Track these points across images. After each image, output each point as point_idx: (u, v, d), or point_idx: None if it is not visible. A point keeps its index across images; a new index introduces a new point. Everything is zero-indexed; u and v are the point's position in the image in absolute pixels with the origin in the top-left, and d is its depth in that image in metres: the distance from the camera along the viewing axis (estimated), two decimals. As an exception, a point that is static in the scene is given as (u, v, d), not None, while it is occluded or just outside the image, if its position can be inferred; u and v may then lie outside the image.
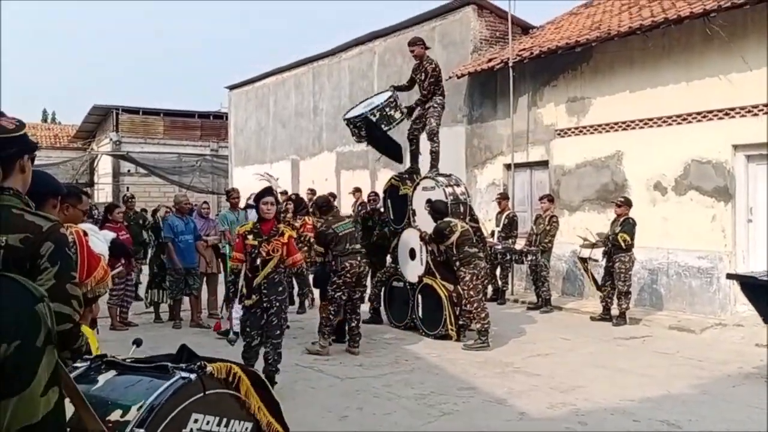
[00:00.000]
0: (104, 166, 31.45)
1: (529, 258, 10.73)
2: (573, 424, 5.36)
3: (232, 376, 2.67)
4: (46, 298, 1.47)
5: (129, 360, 2.72)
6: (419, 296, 8.89)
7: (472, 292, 8.09)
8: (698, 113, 9.62)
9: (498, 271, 11.47)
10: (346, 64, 17.93)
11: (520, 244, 11.21)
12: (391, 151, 9.91)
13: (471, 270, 8.13)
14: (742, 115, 9.14)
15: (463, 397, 6.05)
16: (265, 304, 6.19)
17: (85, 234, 4.15)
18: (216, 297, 10.28)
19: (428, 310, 8.76)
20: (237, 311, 7.02)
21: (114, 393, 2.51)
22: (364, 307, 9.78)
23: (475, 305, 8.11)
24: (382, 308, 9.68)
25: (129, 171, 30.67)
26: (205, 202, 11.82)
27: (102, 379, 2.62)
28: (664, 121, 10.10)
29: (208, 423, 2.57)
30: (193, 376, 2.49)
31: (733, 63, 9.17)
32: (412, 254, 9.08)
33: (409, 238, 9.20)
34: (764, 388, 6.44)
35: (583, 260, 10.12)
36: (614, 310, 9.61)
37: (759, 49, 8.87)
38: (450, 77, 12.69)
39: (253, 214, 9.47)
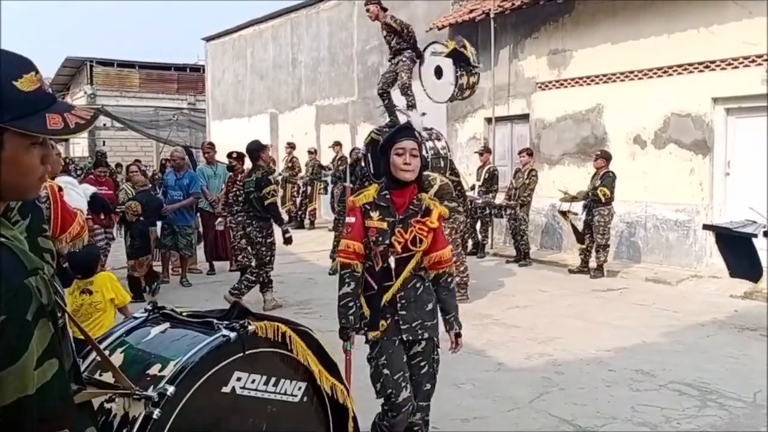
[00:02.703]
0: (79, 120, 30.87)
1: (509, 212, 10.76)
2: (550, 373, 5.45)
3: (280, 335, 2.57)
4: (41, 270, 1.42)
5: (185, 313, 2.68)
6: (399, 250, 8.86)
7: (451, 246, 8.10)
8: (679, 66, 9.59)
9: (478, 225, 11.51)
10: (325, 15, 17.60)
11: (500, 198, 11.23)
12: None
13: (450, 224, 8.13)
14: (723, 68, 9.12)
15: (441, 349, 6.09)
16: (405, 335, 3.37)
17: (60, 189, 4.09)
18: (195, 252, 10.25)
19: (408, 263, 8.75)
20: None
21: (160, 347, 2.49)
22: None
23: (455, 259, 8.11)
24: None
25: (105, 125, 30.19)
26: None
27: (154, 331, 2.60)
28: (645, 74, 10.06)
29: (253, 381, 2.50)
30: (233, 334, 2.43)
31: (714, 15, 9.11)
32: (392, 208, 9.06)
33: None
34: (737, 337, 6.57)
35: (564, 213, 10.18)
36: (592, 263, 9.72)
37: (739, 2, 8.81)
38: (431, 28, 12.51)
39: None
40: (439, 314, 3.48)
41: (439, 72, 9.02)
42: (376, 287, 3.38)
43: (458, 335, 3.52)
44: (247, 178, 7.94)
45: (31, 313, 1.35)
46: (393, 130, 3.46)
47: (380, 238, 3.31)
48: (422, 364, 3.46)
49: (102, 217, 8.09)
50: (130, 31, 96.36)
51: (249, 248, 8.06)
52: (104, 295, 4.56)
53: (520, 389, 5.12)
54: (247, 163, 8.69)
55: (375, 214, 3.33)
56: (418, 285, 3.39)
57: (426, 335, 3.40)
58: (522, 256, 10.71)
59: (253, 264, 7.99)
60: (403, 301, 3.37)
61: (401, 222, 3.31)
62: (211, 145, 10.82)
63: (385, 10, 9.11)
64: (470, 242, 11.46)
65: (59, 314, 1.48)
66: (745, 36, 8.74)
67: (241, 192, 8.01)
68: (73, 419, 1.47)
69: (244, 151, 8.40)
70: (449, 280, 3.46)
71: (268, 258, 7.84)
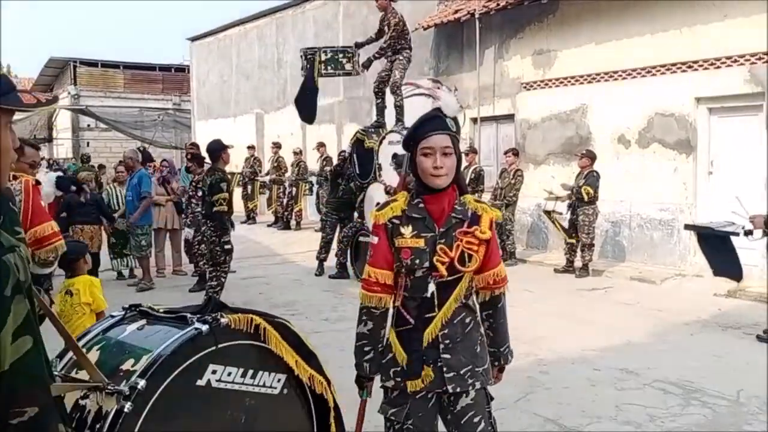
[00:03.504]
0: (63, 120, 30.68)
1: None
2: (535, 373, 5.46)
3: (254, 327, 2.58)
4: (18, 248, 1.43)
5: (162, 310, 2.69)
6: (385, 250, 8.86)
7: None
8: (662, 66, 9.65)
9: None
10: (311, 15, 17.56)
11: (486, 198, 11.24)
12: (303, 105, 9.85)
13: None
14: (705, 68, 9.19)
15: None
16: (451, 386, 2.55)
17: (38, 183, 4.04)
18: (180, 253, 10.21)
19: (394, 264, 8.75)
20: None
21: (134, 342, 2.52)
22: (331, 262, 9.82)
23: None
24: (348, 263, 9.69)
25: (89, 126, 29.97)
26: (164, 160, 11.53)
27: (130, 328, 2.62)
28: (629, 74, 10.12)
29: (229, 374, 2.51)
30: (204, 327, 2.44)
31: (696, 15, 9.18)
32: (378, 208, 9.06)
33: (376, 192, 9.17)
34: (721, 336, 6.62)
35: (548, 213, 10.22)
36: (577, 262, 9.76)
37: (722, 3, 8.88)
38: (416, 28, 12.51)
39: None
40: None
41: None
42: (413, 321, 2.55)
43: (502, 369, 2.80)
44: (206, 177, 7.85)
45: (10, 288, 1.36)
46: (417, 120, 2.59)
47: (417, 261, 2.49)
48: (476, 419, 2.57)
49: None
50: (113, 32, 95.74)
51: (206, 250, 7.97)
52: (81, 299, 4.53)
53: (505, 389, 5.11)
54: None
55: (407, 230, 2.52)
56: (467, 319, 2.57)
57: (477, 384, 2.57)
58: (508, 256, 10.73)
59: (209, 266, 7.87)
60: (448, 341, 2.52)
61: (443, 236, 2.50)
62: (194, 146, 10.75)
63: (394, 0, 9.23)
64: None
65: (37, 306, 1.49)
66: (727, 36, 8.81)
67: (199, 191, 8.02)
68: (46, 400, 1.47)
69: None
70: (504, 303, 2.69)
71: (222, 258, 7.69)
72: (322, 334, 6.69)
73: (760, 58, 8.58)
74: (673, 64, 9.51)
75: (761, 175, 8.40)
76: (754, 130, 8.73)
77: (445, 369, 2.52)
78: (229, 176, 8.27)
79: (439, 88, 2.69)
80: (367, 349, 2.63)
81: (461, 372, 2.54)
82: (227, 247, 7.59)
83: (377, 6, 9.29)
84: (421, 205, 2.55)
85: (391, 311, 2.62)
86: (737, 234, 6.46)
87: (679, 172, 9.57)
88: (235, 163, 17.97)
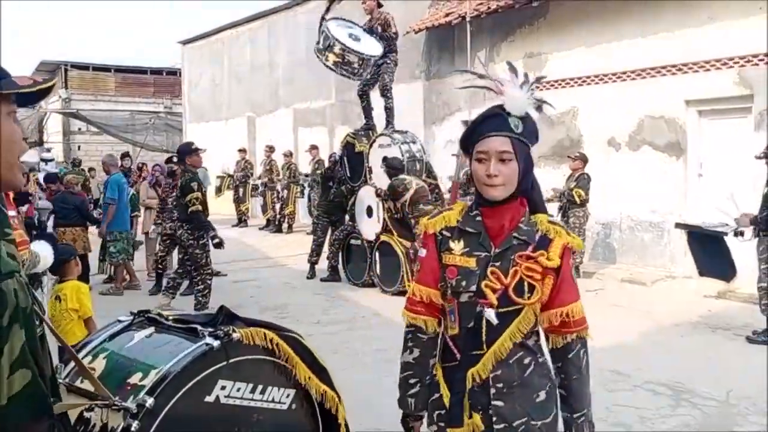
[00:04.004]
0: (54, 124, 30.54)
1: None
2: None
3: (269, 342, 2.51)
4: (17, 273, 1.37)
5: (171, 318, 2.62)
6: (377, 253, 8.90)
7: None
8: (652, 68, 9.69)
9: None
10: (303, 18, 17.55)
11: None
12: None
13: (428, 226, 8.14)
14: (695, 71, 9.23)
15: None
16: None
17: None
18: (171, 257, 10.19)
19: (386, 267, 8.79)
20: None
21: (142, 354, 2.44)
22: (323, 265, 9.81)
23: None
24: (340, 266, 9.69)
25: (80, 129, 29.87)
26: (156, 165, 11.53)
27: (138, 336, 2.55)
28: (619, 77, 10.16)
29: (238, 390, 2.44)
30: (216, 342, 2.36)
31: (685, 18, 9.23)
32: (369, 212, 9.07)
33: (366, 195, 9.17)
34: (711, 337, 6.65)
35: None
36: (569, 265, 9.77)
37: (712, 5, 8.94)
38: (407, 32, 12.53)
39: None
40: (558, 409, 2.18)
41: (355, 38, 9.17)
42: (459, 357, 2.14)
43: None
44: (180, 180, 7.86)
45: (7, 317, 1.31)
46: (475, 119, 2.18)
47: (464, 283, 2.09)
48: None
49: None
50: (104, 35, 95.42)
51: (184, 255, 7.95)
52: (68, 305, 4.51)
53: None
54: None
55: (457, 246, 2.13)
56: (525, 360, 2.12)
57: None
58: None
59: (195, 271, 7.83)
60: (501, 385, 2.08)
61: (498, 257, 2.08)
62: None
63: (380, 6, 9.24)
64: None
65: (37, 322, 1.44)
66: (717, 39, 8.87)
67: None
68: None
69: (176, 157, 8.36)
70: (581, 353, 2.14)
71: (204, 260, 7.67)
72: (313, 337, 6.64)
73: (749, 61, 8.64)
74: (663, 67, 9.56)
75: (750, 177, 8.44)
76: (743, 132, 8.78)
77: (495, 419, 2.07)
78: (219, 179, 8.28)
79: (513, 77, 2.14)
80: (412, 381, 2.23)
81: (514, 424, 2.07)
82: (203, 242, 7.57)
83: (364, 8, 9.30)
84: (479, 218, 2.12)
85: (441, 343, 2.22)
86: (727, 234, 6.50)
87: (669, 174, 9.61)
88: (226, 165, 17.99)
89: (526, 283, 2.05)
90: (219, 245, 7.62)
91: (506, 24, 11.76)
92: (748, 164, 7.70)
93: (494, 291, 2.05)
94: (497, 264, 2.07)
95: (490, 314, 2.05)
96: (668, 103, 9.54)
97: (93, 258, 9.38)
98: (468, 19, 11.78)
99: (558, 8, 10.89)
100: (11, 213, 3.73)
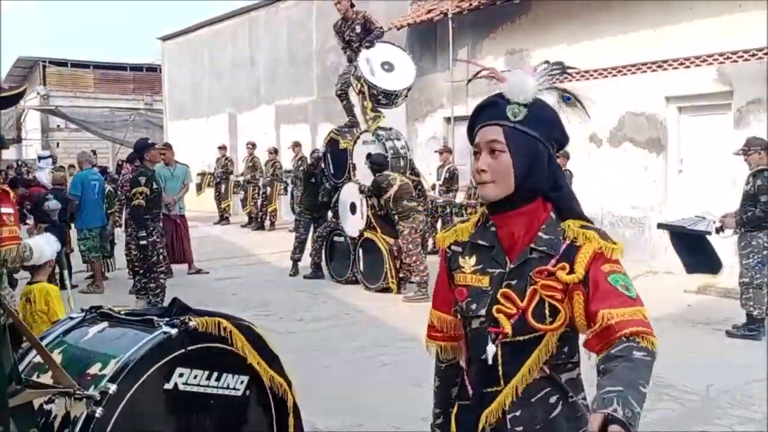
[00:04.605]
0: (32, 121, 30.20)
1: (469, 211, 10.83)
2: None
3: (222, 330, 2.60)
4: None
5: (123, 312, 2.69)
6: (360, 250, 8.89)
7: (410, 246, 8.13)
8: (633, 65, 9.76)
9: (439, 224, 11.56)
10: (284, 15, 17.49)
11: (460, 197, 11.29)
12: None
13: (409, 224, 8.15)
14: (675, 68, 9.31)
15: (403, 348, 6.12)
16: None
17: (6, 191, 3.97)
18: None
19: (369, 263, 8.77)
20: None
21: (99, 345, 2.51)
22: (306, 263, 9.78)
23: (414, 258, 8.16)
24: (323, 263, 9.66)
25: (59, 126, 29.56)
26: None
27: (92, 330, 2.61)
28: (600, 74, 10.21)
29: (195, 377, 2.52)
30: (174, 331, 2.44)
31: (666, 16, 9.29)
32: (353, 208, 9.05)
33: (350, 192, 9.15)
34: (691, 332, 6.71)
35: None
36: (551, 261, 9.82)
37: (692, 3, 9.01)
38: (389, 28, 12.49)
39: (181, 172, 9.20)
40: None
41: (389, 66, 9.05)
42: (471, 395, 1.82)
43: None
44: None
45: None
46: (473, 110, 1.87)
47: (474, 306, 1.76)
48: None
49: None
50: (83, 30, 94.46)
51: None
52: (37, 307, 4.44)
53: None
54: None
55: (468, 263, 1.80)
56: (552, 399, 1.75)
57: None
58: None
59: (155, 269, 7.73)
60: (519, 429, 1.74)
61: (514, 275, 1.73)
62: (168, 146, 10.65)
63: (353, 5, 9.18)
64: (430, 241, 11.49)
65: (1, 312, 1.43)
66: (697, 36, 8.94)
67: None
68: (3, 421, 1.43)
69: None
70: (633, 351, 1.57)
71: (155, 258, 7.59)
72: (295, 334, 6.66)
73: (728, 58, 8.73)
74: (644, 64, 9.63)
75: (730, 173, 8.53)
76: (722, 128, 8.87)
77: None
78: (200, 176, 8.24)
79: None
80: (437, 411, 1.99)
81: None
82: (142, 242, 7.49)
83: (338, 8, 9.20)
84: (493, 228, 1.78)
85: (462, 372, 1.91)
86: (709, 232, 6.56)
87: (650, 170, 9.69)
88: (207, 163, 17.89)
89: (547, 305, 1.68)
90: (141, 249, 7.57)
91: (488, 21, 11.78)
92: (728, 160, 7.78)
93: (509, 316, 1.70)
94: (513, 283, 1.71)
95: (489, 350, 1.71)
96: (649, 100, 9.61)
97: (76, 256, 9.28)
98: (450, 15, 11.80)
99: (540, 5, 10.93)
100: (7, 210, 3.71)
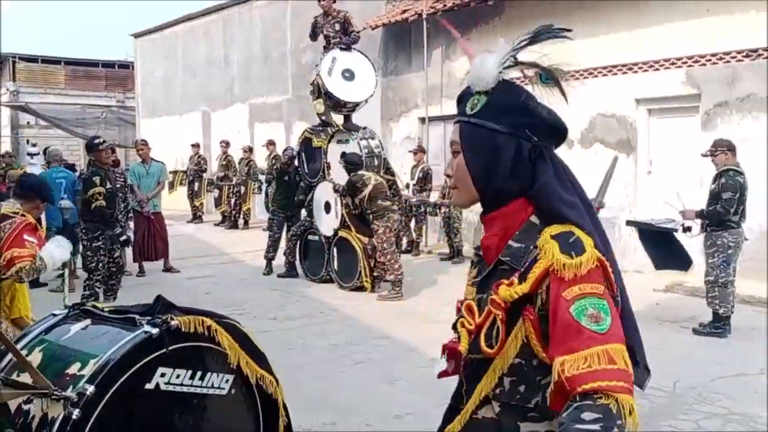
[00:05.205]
0: (1, 117, 29.67)
1: (443, 210, 10.91)
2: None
3: (207, 329, 2.56)
4: None
5: (107, 309, 2.64)
6: (335, 249, 8.91)
7: (385, 245, 8.17)
8: (604, 68, 9.90)
9: (412, 224, 11.62)
10: (258, 13, 17.44)
11: (434, 196, 11.36)
12: None
13: (384, 223, 8.19)
14: (645, 70, 9.47)
15: (376, 347, 6.16)
16: None
17: (36, 229, 4.17)
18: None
19: (343, 262, 8.80)
20: None
21: (80, 344, 2.46)
22: (280, 261, 9.78)
23: (389, 257, 8.21)
24: (297, 262, 9.66)
25: (29, 123, 29.07)
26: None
27: (74, 328, 2.56)
28: (572, 75, 10.15)
29: (178, 377, 2.48)
30: (155, 330, 2.40)
31: (637, 18, 9.44)
32: (327, 207, 9.06)
33: (324, 191, 9.16)
34: (658, 329, 6.84)
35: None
36: (523, 260, 9.92)
37: (662, 7, 9.17)
38: (364, 28, 12.52)
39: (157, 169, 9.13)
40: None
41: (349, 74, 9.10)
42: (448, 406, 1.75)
43: None
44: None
45: None
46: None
47: (457, 320, 1.65)
48: None
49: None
50: (53, 26, 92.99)
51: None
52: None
53: (452, 384, 5.18)
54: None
55: (472, 273, 1.68)
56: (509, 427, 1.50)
57: None
58: (455, 254, 10.86)
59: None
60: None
61: (482, 287, 1.58)
62: (145, 143, 10.57)
63: (335, 1, 9.23)
64: (405, 240, 11.56)
65: None
66: (666, 39, 9.10)
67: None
68: None
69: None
70: (596, 420, 1.28)
71: (93, 264, 7.48)
72: (269, 333, 6.66)
73: (696, 61, 8.90)
74: (615, 66, 9.77)
75: (697, 174, 8.70)
76: (690, 130, 9.04)
77: None
78: (172, 174, 8.17)
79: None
80: None
81: None
82: (97, 245, 7.41)
83: (321, 5, 9.27)
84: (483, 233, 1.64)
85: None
86: (676, 230, 6.70)
87: (620, 171, 9.81)
88: (181, 161, 17.75)
89: (496, 325, 1.48)
90: (126, 243, 7.52)
91: (462, 22, 11.84)
92: (696, 162, 7.94)
93: (469, 332, 1.54)
94: (480, 296, 1.56)
95: (436, 366, 1.63)
96: (619, 102, 9.76)
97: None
98: (425, 16, 11.85)
99: (513, 7, 11.03)
100: (30, 238, 4.02)
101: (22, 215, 4.13)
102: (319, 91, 9.09)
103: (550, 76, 1.68)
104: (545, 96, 1.66)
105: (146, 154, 10.15)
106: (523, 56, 1.69)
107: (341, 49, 9.13)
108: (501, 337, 1.45)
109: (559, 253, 1.40)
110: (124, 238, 7.48)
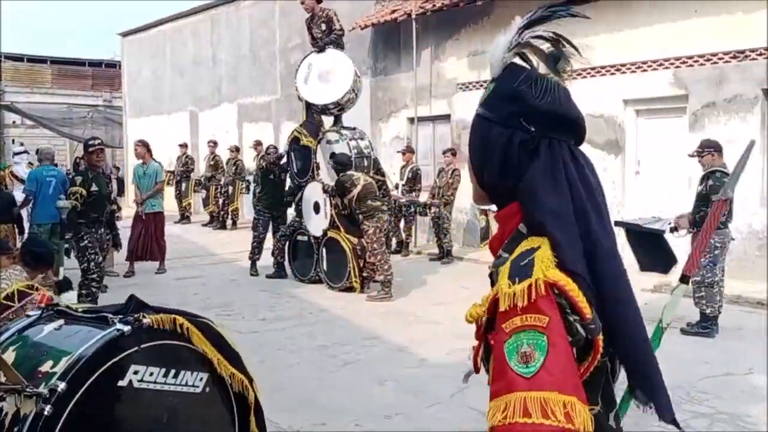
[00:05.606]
0: (-14, 116, 29.43)
1: (432, 210, 10.91)
2: (469, 368, 5.55)
3: (179, 327, 2.58)
4: None
5: (81, 309, 2.67)
6: (324, 250, 8.89)
7: (375, 245, 8.17)
8: (592, 68, 9.93)
9: (402, 224, 11.62)
10: (246, 13, 17.38)
11: (423, 197, 11.37)
12: None
13: (374, 223, 8.19)
14: (633, 71, 9.52)
15: (366, 347, 6.15)
16: None
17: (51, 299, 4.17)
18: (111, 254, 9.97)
19: (333, 263, 8.78)
20: None
21: (53, 342, 2.49)
22: (269, 262, 9.74)
23: (378, 257, 8.20)
24: (286, 262, 9.63)
25: (14, 122, 28.84)
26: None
27: (48, 328, 2.59)
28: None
29: (151, 374, 2.51)
30: (127, 328, 2.43)
31: (625, 20, 9.49)
32: (317, 208, 9.04)
33: (314, 191, 9.14)
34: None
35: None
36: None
37: (650, 8, 9.22)
38: (353, 28, 12.53)
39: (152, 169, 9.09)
40: None
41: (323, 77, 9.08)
42: None
43: None
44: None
45: None
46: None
47: None
48: None
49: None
50: (39, 24, 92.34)
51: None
52: None
53: (441, 384, 5.20)
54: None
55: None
56: None
57: None
58: (444, 254, 10.87)
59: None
60: None
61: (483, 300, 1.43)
62: (143, 143, 10.43)
63: (320, 2, 9.20)
64: (394, 241, 11.56)
65: None
66: (654, 40, 9.15)
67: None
68: None
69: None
70: None
71: (84, 264, 7.44)
72: (258, 334, 6.64)
73: (684, 62, 8.95)
74: (603, 67, 9.82)
75: (685, 174, 8.76)
76: (678, 131, 9.10)
77: None
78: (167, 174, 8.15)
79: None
80: None
81: None
82: (84, 244, 7.38)
83: (304, 7, 9.23)
84: None
85: None
86: (663, 231, 6.73)
87: (608, 171, 9.88)
88: (168, 161, 17.65)
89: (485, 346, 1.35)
90: (115, 245, 7.52)
91: (451, 22, 11.88)
92: (683, 162, 7.99)
93: (475, 349, 1.42)
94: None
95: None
96: (607, 103, 9.80)
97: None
98: (414, 16, 11.86)
99: (502, 7, 11.04)
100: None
101: (36, 288, 4.01)
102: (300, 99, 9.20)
103: (558, 55, 1.47)
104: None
105: (143, 154, 10.08)
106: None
107: (317, 52, 9.13)
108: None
109: (505, 279, 1.22)
110: (108, 237, 7.48)
